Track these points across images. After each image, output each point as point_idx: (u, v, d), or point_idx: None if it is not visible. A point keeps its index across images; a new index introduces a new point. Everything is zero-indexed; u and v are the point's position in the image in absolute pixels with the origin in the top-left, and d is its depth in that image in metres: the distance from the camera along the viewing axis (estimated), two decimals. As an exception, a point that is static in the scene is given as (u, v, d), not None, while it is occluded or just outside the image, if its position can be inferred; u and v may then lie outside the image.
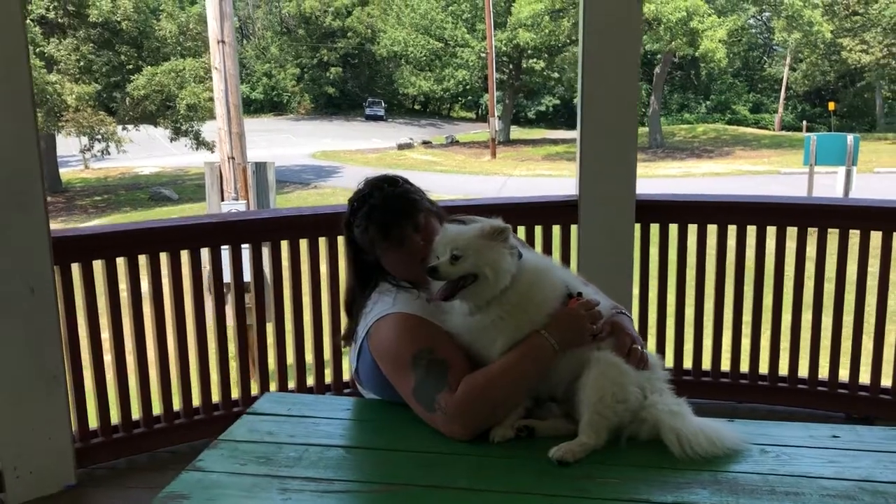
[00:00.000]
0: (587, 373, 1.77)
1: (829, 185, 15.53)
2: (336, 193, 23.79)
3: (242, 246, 3.62)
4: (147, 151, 30.44)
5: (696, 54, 34.97)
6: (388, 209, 1.97)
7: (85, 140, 25.45)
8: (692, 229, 3.80)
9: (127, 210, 22.96)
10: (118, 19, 24.98)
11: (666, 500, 1.52)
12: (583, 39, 3.55)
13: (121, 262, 3.31)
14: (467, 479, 1.61)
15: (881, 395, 3.66)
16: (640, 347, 1.89)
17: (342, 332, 2.16)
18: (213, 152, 24.33)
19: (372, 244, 1.99)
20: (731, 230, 3.77)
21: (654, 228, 3.83)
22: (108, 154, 26.08)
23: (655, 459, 1.67)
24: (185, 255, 3.46)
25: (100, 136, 25.20)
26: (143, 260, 3.36)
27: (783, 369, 3.81)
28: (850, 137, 14.55)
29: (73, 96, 23.52)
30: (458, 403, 1.75)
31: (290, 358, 3.73)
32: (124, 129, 26.05)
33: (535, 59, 38.15)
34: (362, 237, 2.00)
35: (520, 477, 1.62)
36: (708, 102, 48.55)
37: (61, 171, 26.84)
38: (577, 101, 3.71)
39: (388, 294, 1.98)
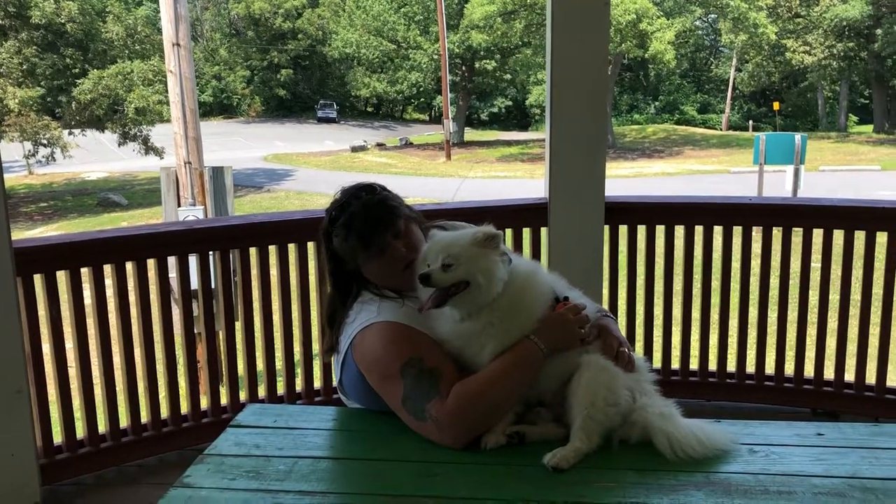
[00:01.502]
0: (577, 377, 1.77)
1: (777, 183, 15.89)
2: (290, 197, 23.58)
3: (209, 253, 3.55)
4: (94, 156, 29.80)
5: (646, 56, 35.54)
6: (368, 217, 1.94)
7: (29, 145, 24.78)
8: (660, 230, 3.84)
9: (74, 217, 22.40)
10: (62, 21, 24.42)
11: (662, 503, 1.53)
12: (551, 40, 3.56)
13: (85, 272, 3.22)
14: (466, 489, 1.59)
15: (845, 390, 3.75)
16: (627, 350, 1.89)
17: (321, 343, 2.12)
18: (161, 157, 23.94)
19: (353, 253, 1.96)
20: (698, 231, 3.82)
21: (623, 230, 3.87)
22: (54, 160, 25.44)
23: (650, 462, 1.68)
24: (151, 264, 3.38)
25: (44, 142, 24.57)
26: (108, 269, 3.27)
27: (750, 367, 3.88)
28: (797, 137, 14.90)
29: (16, 100, 22.92)
30: (449, 412, 1.73)
31: (260, 365, 3.67)
32: (70, 133, 25.45)
33: (487, 61, 38.38)
34: (342, 247, 1.96)
35: (519, 484, 1.61)
36: (657, 103, 49.43)
37: (4, 176, 26.06)
38: (546, 102, 3.72)
39: (372, 303, 1.96)
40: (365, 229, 1.93)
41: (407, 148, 37.56)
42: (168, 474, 1.68)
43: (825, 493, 1.56)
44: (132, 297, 3.36)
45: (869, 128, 41.25)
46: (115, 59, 25.76)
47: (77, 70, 25.44)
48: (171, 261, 3.48)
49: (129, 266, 3.31)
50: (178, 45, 8.30)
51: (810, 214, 3.79)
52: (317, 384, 3.79)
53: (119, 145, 26.80)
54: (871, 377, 3.72)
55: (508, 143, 38.09)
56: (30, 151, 25.20)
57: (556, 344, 1.80)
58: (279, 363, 3.70)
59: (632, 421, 1.77)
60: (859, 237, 3.60)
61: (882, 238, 3.56)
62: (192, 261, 3.51)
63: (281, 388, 3.74)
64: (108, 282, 3.31)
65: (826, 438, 1.82)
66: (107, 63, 25.44)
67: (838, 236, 3.65)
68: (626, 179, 24.19)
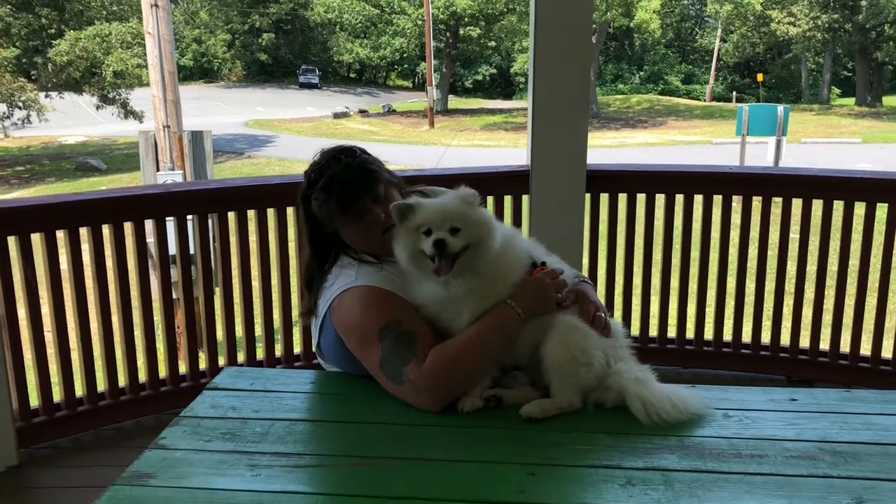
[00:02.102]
0: (550, 337, 1.78)
1: (759, 155, 15.96)
2: (271, 163, 23.39)
3: (187, 217, 3.52)
4: (72, 120, 29.33)
5: (631, 24, 35.38)
6: (348, 181, 1.92)
7: (3, 107, 24.32)
8: (640, 199, 3.85)
9: (52, 181, 22.10)
10: (38, -20, 23.88)
11: (637, 466, 1.54)
12: (535, 6, 3.53)
13: (61, 234, 3.18)
14: (442, 451, 1.60)
15: (820, 358, 3.80)
16: (603, 315, 1.90)
17: (299, 306, 2.11)
18: (141, 122, 23.59)
19: (331, 217, 1.94)
20: (679, 200, 3.83)
21: (604, 198, 3.87)
22: (30, 122, 25.00)
23: (624, 426, 1.69)
24: (128, 227, 3.35)
25: (20, 104, 24.11)
26: (84, 233, 3.23)
27: (727, 335, 3.92)
28: (780, 108, 14.95)
29: (-10, 61, 22.45)
30: (426, 375, 1.74)
31: (239, 331, 3.66)
32: (47, 96, 24.99)
33: (471, 27, 38.00)
34: (321, 210, 1.94)
35: (494, 447, 1.62)
36: (641, 73, 49.30)
37: (-22, 139, 25.71)
38: (529, 69, 3.69)
39: (350, 267, 1.95)
40: (344, 193, 1.91)
41: (390, 115, 37.28)
42: (146, 438, 1.67)
43: (796, 457, 1.59)
44: (109, 262, 3.33)
45: (851, 100, 41.40)
46: (92, 21, 25.26)
47: (53, 31, 24.94)
48: (149, 225, 3.44)
49: (105, 230, 3.28)
50: (156, 6, 8.14)
51: (790, 184, 3.81)
52: (297, 349, 3.79)
53: (97, 109, 26.40)
54: (845, 346, 3.78)
55: (492, 112, 37.90)
56: (4, 114, 24.73)
57: (533, 308, 1.81)
58: (258, 329, 3.69)
59: (607, 385, 1.78)
60: (838, 207, 3.62)
61: (860, 209, 3.58)
62: (170, 225, 3.47)
63: (260, 354, 3.74)
64: (85, 246, 3.27)
65: (799, 404, 1.84)
66: (84, 24, 24.94)
67: (817, 206, 3.67)
68: (609, 149, 24.19)
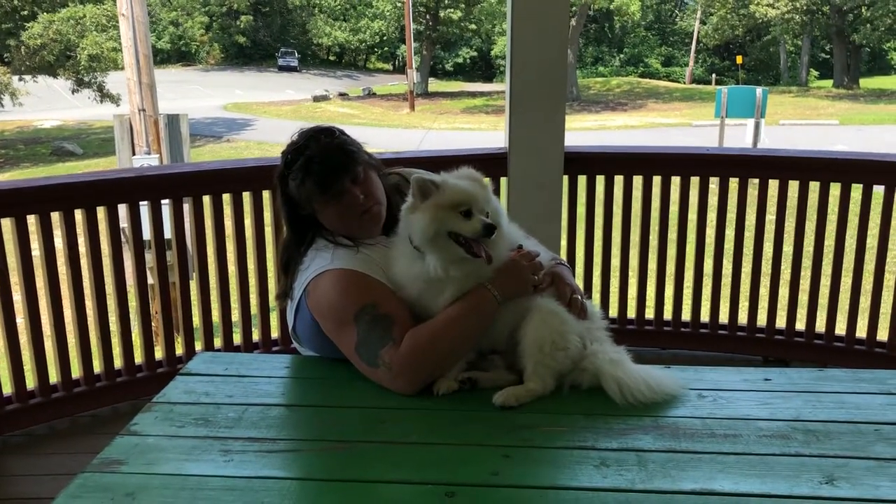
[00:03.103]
0: (527, 321, 1.78)
1: (738, 136, 16.05)
2: (250, 147, 23.21)
3: (162, 202, 3.47)
4: (47, 104, 28.90)
5: (611, 7, 35.34)
6: (326, 161, 1.89)
7: (-25, 91, 23.95)
8: (618, 181, 3.85)
9: (27, 166, 21.81)
10: (9, -40, 23.45)
11: (611, 447, 1.55)
12: (512, -13, 3.50)
13: (32, 219, 3.13)
14: (417, 434, 1.60)
15: (795, 338, 3.83)
16: (579, 297, 1.90)
17: (276, 289, 2.09)
18: (118, 105, 23.29)
19: (309, 198, 1.92)
20: (656, 181, 3.84)
21: (582, 180, 3.86)
22: (2, 107, 24.61)
23: (600, 407, 1.70)
24: (101, 212, 3.30)
25: (-7, 88, 23.75)
26: (56, 217, 3.18)
27: (704, 316, 3.94)
28: (758, 91, 15.03)
29: (-38, 44, 22.05)
30: (402, 358, 1.73)
31: (216, 316, 3.63)
32: (20, 79, 24.59)
33: (452, 10, 37.81)
34: (298, 191, 1.92)
35: (469, 429, 1.62)
36: (621, 56, 49.31)
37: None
38: (507, 50, 3.67)
39: (326, 250, 1.93)
40: (322, 173, 1.88)
41: (370, 98, 37.09)
42: (122, 424, 1.66)
43: (769, 436, 1.60)
44: (82, 248, 3.28)
45: (829, 82, 41.69)
46: (66, 3, 24.84)
47: (26, 12, 24.50)
48: (122, 209, 3.39)
49: (77, 214, 3.23)
50: (130, -14, 8.01)
51: (766, 165, 3.83)
52: (274, 334, 3.77)
53: (73, 92, 26.03)
54: (820, 326, 3.81)
55: (473, 95, 37.80)
56: (-23, 98, 24.37)
57: (510, 291, 1.80)
58: (235, 314, 3.67)
59: (582, 367, 1.78)
60: (814, 188, 3.64)
61: (836, 190, 3.60)
62: (144, 210, 3.43)
63: (238, 339, 3.71)
64: (57, 231, 3.23)
65: (773, 384, 1.85)
66: (57, 6, 24.53)
67: (793, 187, 3.69)
68: (589, 132, 24.20)
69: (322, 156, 1.89)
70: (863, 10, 36.98)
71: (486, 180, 1.82)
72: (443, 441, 1.57)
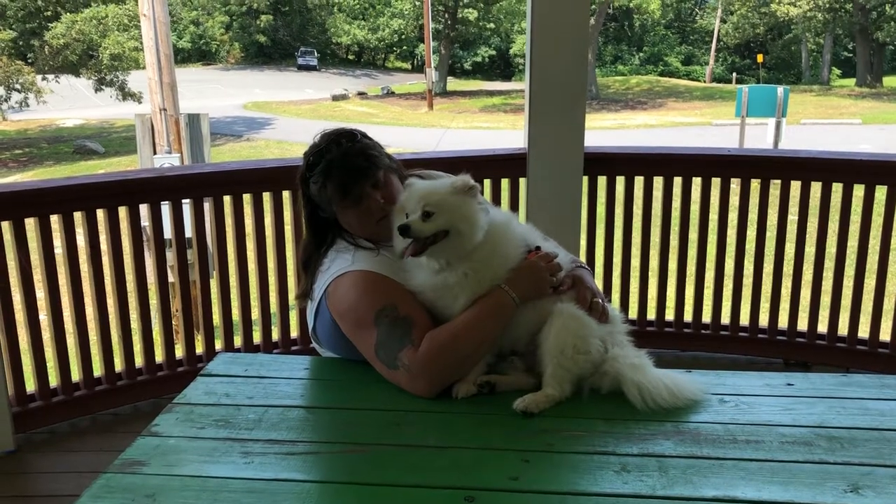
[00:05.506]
0: (549, 325, 1.77)
1: (759, 136, 15.90)
2: (270, 146, 23.31)
3: (183, 201, 3.50)
4: (69, 103, 29.18)
5: (631, 5, 35.13)
6: (347, 166, 1.89)
7: (1, 90, 24.19)
8: (638, 181, 3.82)
9: (50, 164, 22.03)
10: (32, -39, 23.69)
11: (631, 452, 1.53)
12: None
13: (55, 219, 3.16)
14: (437, 437, 1.59)
15: (817, 341, 3.79)
16: (600, 301, 1.89)
17: (296, 289, 2.10)
18: (140, 103, 23.48)
19: (329, 201, 1.92)
20: (677, 182, 3.81)
21: (602, 181, 3.84)
22: (27, 105, 24.89)
23: (620, 412, 1.68)
24: (122, 211, 3.32)
25: (17, 87, 23.97)
26: (78, 217, 3.21)
27: (725, 318, 3.91)
28: (780, 90, 14.88)
29: (-13, 43, 22.32)
30: (421, 360, 1.73)
31: (236, 315, 3.65)
32: (44, 79, 24.84)
33: (470, 9, 37.78)
34: (319, 194, 1.92)
35: (488, 433, 1.61)
36: (641, 54, 49.00)
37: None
38: (526, 50, 3.65)
39: (347, 252, 1.93)
40: (343, 178, 1.88)
41: (389, 97, 37.12)
42: (143, 423, 1.67)
43: (792, 442, 1.58)
44: (104, 247, 3.31)
45: (851, 81, 41.20)
46: (88, 3, 25.07)
47: (49, 13, 24.76)
48: (143, 209, 3.42)
49: (100, 214, 3.26)
50: (151, -13, 8.07)
51: (788, 166, 3.79)
52: (294, 333, 3.78)
53: (95, 91, 26.27)
54: (843, 329, 3.77)
55: (491, 94, 37.72)
56: (2, 97, 24.60)
57: (528, 292, 1.80)
58: (255, 313, 3.68)
59: (603, 371, 1.77)
60: (836, 190, 3.60)
61: (859, 191, 3.56)
62: (165, 209, 3.45)
63: (258, 338, 3.73)
64: (80, 230, 3.25)
65: (795, 389, 1.83)
66: (80, 6, 24.76)
67: (816, 189, 3.65)
68: (608, 131, 24.11)
69: (343, 160, 1.89)
70: (886, 8, 36.53)
71: (460, 183, 1.76)
72: (462, 445, 1.57)
